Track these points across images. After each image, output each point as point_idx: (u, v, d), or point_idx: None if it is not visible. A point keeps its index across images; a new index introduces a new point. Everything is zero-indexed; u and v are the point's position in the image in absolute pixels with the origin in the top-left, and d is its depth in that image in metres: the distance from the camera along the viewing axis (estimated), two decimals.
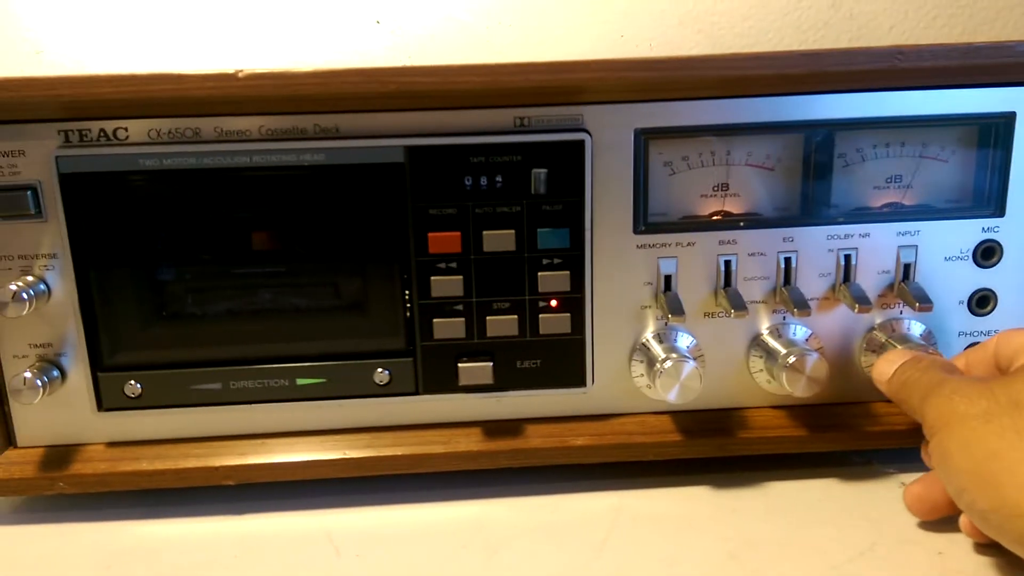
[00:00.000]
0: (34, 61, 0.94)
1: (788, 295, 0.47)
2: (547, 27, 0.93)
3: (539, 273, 0.46)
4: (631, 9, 0.92)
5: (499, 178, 0.45)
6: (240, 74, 0.41)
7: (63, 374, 0.47)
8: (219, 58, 0.91)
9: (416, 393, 0.48)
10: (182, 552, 0.43)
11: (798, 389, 0.45)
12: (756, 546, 0.42)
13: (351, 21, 0.92)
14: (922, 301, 0.46)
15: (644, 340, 0.48)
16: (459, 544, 0.43)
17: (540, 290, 0.46)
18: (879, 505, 0.45)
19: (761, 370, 0.48)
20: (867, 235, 0.47)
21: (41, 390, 0.45)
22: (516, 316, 0.47)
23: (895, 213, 0.47)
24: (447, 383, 0.48)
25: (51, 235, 0.45)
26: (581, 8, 0.92)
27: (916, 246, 0.47)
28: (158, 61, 0.91)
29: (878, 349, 0.48)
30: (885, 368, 0.44)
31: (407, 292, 0.46)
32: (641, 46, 0.93)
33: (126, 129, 0.44)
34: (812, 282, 0.48)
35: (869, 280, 0.47)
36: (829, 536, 0.43)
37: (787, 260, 0.47)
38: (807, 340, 0.48)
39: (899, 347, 0.46)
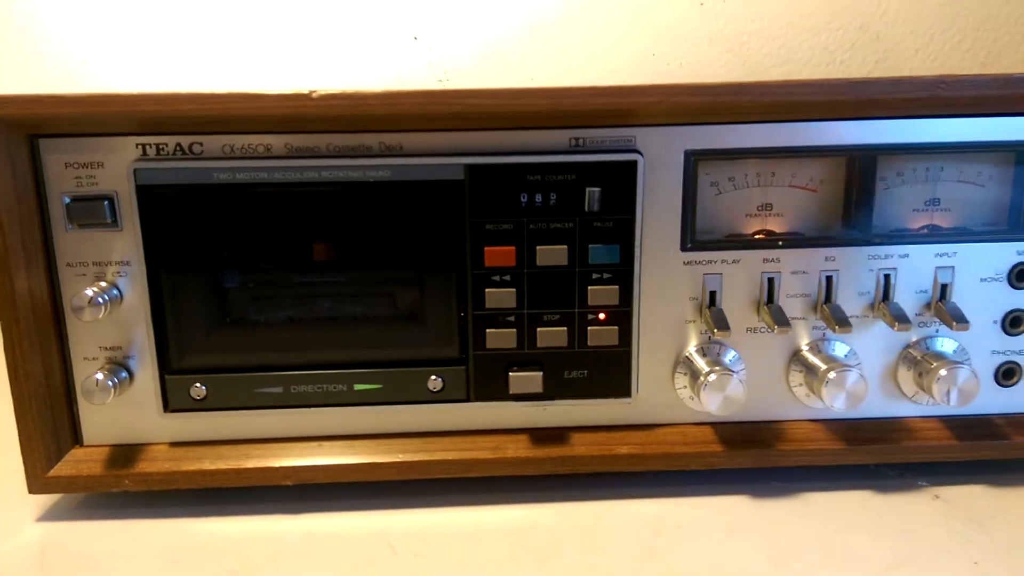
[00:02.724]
0: (79, 69, 0.97)
1: (829, 312, 0.48)
2: (581, 46, 0.95)
3: (589, 287, 0.48)
4: (663, 29, 0.95)
5: (554, 196, 0.47)
6: (314, 94, 0.43)
7: (131, 376, 0.49)
8: (252, 69, 0.94)
9: (468, 400, 0.50)
10: (245, 550, 0.45)
11: (837, 404, 0.47)
12: (798, 554, 0.44)
13: (388, 37, 0.95)
14: (959, 320, 0.48)
15: (688, 353, 0.50)
16: (513, 547, 0.45)
17: (590, 303, 0.48)
18: (914, 516, 0.47)
19: (801, 384, 0.50)
20: (906, 256, 0.49)
21: (112, 391, 0.47)
22: (566, 328, 0.49)
23: (933, 235, 0.49)
24: (498, 391, 0.50)
25: (124, 243, 0.47)
26: (614, 27, 0.95)
27: (953, 267, 0.49)
28: (190, 72, 0.94)
29: (914, 365, 0.50)
30: None
31: (462, 303, 0.48)
32: (672, 64, 0.95)
33: (201, 144, 0.46)
34: (852, 300, 0.49)
35: (907, 299, 0.49)
36: (868, 545, 0.44)
37: (828, 278, 0.49)
38: (846, 356, 0.49)
39: None
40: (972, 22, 0.95)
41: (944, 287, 0.49)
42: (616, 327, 0.49)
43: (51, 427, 0.48)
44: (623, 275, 0.48)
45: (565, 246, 0.47)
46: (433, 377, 0.49)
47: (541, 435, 0.51)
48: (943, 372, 0.47)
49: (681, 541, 0.45)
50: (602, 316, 0.49)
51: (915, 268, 0.49)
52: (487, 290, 0.48)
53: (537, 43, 0.94)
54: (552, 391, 0.50)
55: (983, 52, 0.95)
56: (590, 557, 0.44)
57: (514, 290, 0.48)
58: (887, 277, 0.49)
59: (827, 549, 0.44)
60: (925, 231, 0.49)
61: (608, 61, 0.94)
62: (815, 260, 0.49)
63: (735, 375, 0.47)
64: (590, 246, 0.47)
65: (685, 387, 0.50)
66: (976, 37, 0.96)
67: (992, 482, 0.50)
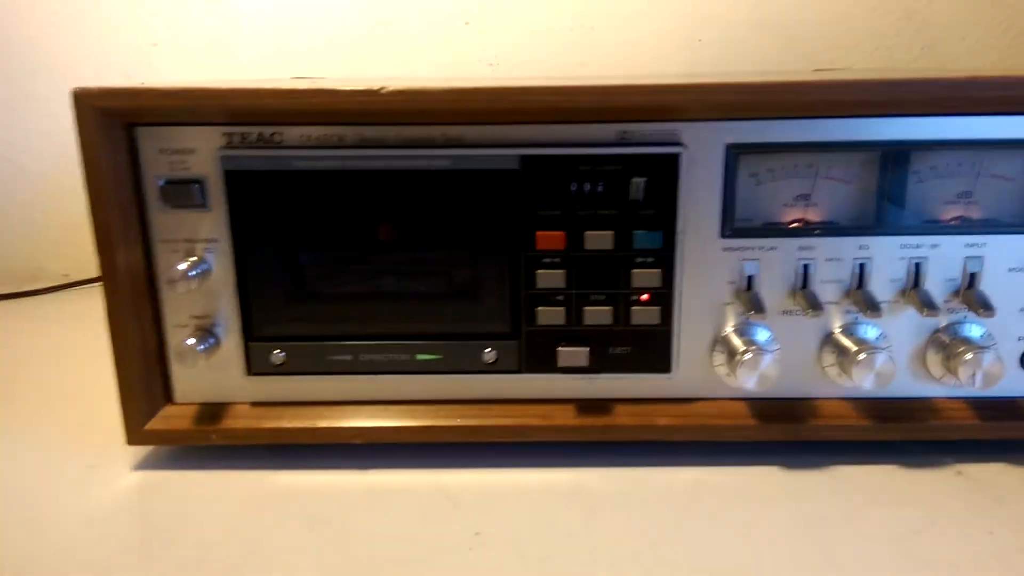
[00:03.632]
0: (150, 52, 1.03)
1: (861, 297, 0.51)
2: (628, 31, 0.98)
3: (633, 270, 0.52)
4: (709, 14, 0.97)
5: (601, 185, 0.50)
6: (383, 90, 0.48)
7: (218, 342, 0.54)
8: (314, 50, 0.99)
9: (519, 372, 0.54)
10: (318, 499, 0.50)
11: (866, 383, 0.50)
12: (824, 519, 0.47)
13: (442, 22, 0.99)
14: (985, 308, 0.50)
15: (725, 333, 0.53)
16: (560, 505, 0.49)
17: (634, 285, 0.52)
18: (937, 490, 0.50)
19: (833, 364, 0.53)
20: (937, 245, 0.51)
21: (202, 355, 0.53)
22: (611, 308, 0.53)
23: (963, 226, 0.51)
24: (547, 364, 0.54)
25: (211, 222, 0.52)
26: (661, 13, 0.97)
27: (982, 257, 0.51)
28: (251, 54, 0.99)
29: (942, 349, 0.52)
30: None
31: (515, 283, 0.52)
32: (718, 50, 0.97)
33: (281, 134, 0.51)
34: (883, 286, 0.52)
35: (936, 286, 0.52)
36: (891, 514, 0.48)
37: (861, 266, 0.52)
38: (876, 339, 0.52)
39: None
40: (1021, 10, 0.94)
41: (973, 276, 0.52)
42: (658, 307, 0.53)
43: (146, 386, 0.54)
44: (665, 259, 0.52)
45: (611, 232, 0.51)
46: (488, 350, 0.54)
47: (587, 405, 0.55)
48: (969, 356, 0.50)
49: (714, 505, 0.49)
50: (645, 297, 0.52)
51: (945, 257, 0.52)
52: (538, 271, 0.52)
53: (585, 29, 0.97)
54: (597, 365, 0.54)
55: None
56: (630, 516, 0.48)
57: (563, 272, 0.52)
58: (918, 266, 0.52)
59: (853, 516, 0.48)
60: (956, 222, 0.52)
61: (655, 46, 0.97)
62: (849, 248, 0.52)
63: (769, 354, 0.51)
64: (634, 232, 0.51)
65: (722, 364, 0.54)
66: None
67: (1015, 461, 0.53)
